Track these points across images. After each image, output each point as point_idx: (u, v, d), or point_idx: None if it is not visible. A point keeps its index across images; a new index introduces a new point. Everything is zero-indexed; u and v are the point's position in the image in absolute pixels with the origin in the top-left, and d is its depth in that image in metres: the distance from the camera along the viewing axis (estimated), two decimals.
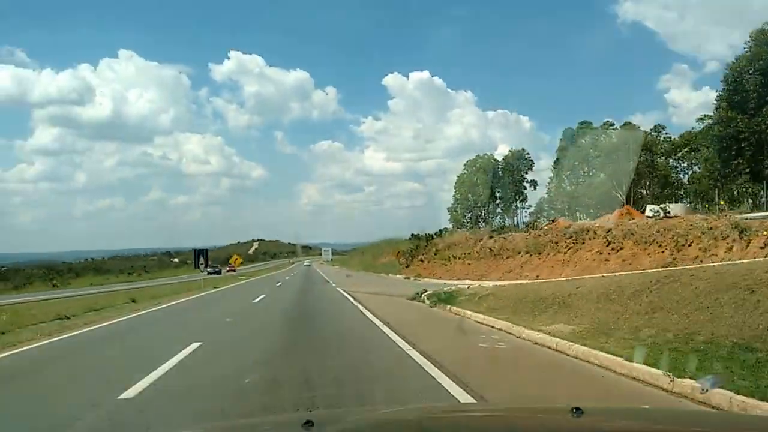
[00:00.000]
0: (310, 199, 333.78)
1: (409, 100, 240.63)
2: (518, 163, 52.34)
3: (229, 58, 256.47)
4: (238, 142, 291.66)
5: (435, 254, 36.65)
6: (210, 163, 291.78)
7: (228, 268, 69.15)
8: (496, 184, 51.03)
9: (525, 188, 53.19)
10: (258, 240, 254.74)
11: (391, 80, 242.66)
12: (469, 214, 50.09)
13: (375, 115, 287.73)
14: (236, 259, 42.72)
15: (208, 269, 48.54)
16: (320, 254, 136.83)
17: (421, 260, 37.89)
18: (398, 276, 36.85)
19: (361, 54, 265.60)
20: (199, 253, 44.24)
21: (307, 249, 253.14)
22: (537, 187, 52.61)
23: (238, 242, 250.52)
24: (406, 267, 38.98)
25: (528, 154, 53.58)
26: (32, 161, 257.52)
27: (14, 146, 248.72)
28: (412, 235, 51.15)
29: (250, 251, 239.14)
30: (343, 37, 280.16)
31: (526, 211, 52.60)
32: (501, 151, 57.62)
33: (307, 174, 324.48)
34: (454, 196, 54.01)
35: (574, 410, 1.66)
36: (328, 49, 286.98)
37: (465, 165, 53.28)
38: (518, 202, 53.05)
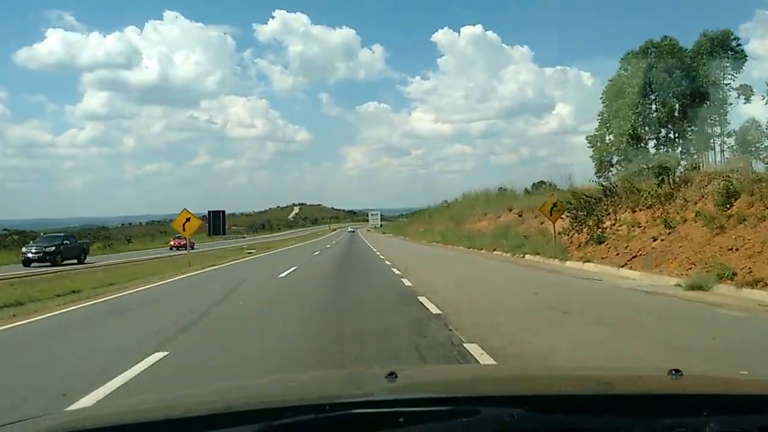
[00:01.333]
0: (356, 163, 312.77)
1: (460, 58, 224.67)
2: (718, 58, 29.35)
3: (273, 17, 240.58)
4: (283, 104, 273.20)
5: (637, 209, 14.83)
6: (255, 127, 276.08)
7: (174, 242, 46.23)
8: (683, 88, 28.42)
9: (727, 103, 30.30)
10: (299, 204, 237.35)
11: (441, 36, 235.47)
12: (631, 146, 27.47)
13: (423, 75, 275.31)
14: (188, 221, 20.21)
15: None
16: (366, 220, 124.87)
17: (596, 230, 15.75)
18: (569, 264, 14.61)
19: (410, 8, 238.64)
20: (216, 216, 37.10)
21: (352, 214, 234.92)
22: (751, 99, 29.52)
23: (278, 207, 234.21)
24: (573, 244, 16.59)
25: (737, 39, 30.37)
26: (82, 126, 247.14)
27: (65, 111, 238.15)
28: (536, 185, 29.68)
29: (290, 216, 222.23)
30: None
31: (725, 142, 29.89)
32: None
33: (353, 137, 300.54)
34: (601, 118, 31.39)
35: (673, 372, 1.60)
36: (375, 4, 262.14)
37: (623, 60, 30.44)
38: (719, 125, 30.09)
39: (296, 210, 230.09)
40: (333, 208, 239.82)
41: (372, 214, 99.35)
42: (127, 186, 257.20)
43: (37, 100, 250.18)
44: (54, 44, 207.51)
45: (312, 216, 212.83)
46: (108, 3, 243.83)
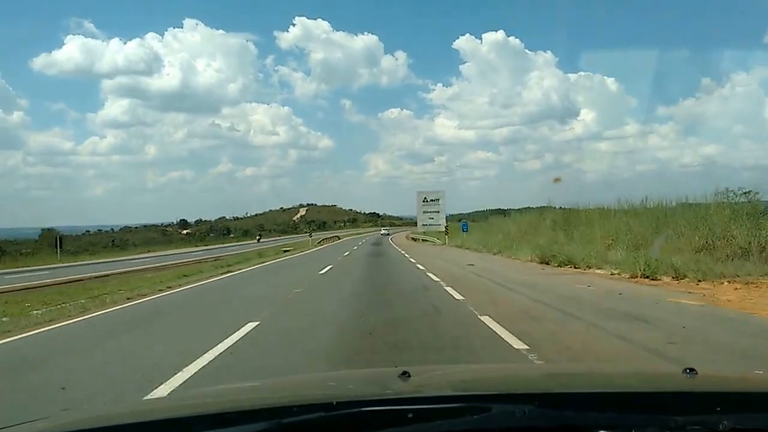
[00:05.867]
0: (378, 170, 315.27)
1: (483, 64, 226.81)
2: None
3: (294, 24, 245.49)
4: (305, 111, 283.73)
5: None
6: (277, 134, 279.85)
7: None
8: None
9: None
10: (307, 205, 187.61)
11: (463, 43, 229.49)
12: None
13: (446, 81, 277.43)
14: None
15: None
16: (388, 224, 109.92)
17: None
18: None
19: (432, 14, 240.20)
20: None
21: (375, 217, 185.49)
22: None
23: (281, 208, 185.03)
24: None
25: None
26: (104, 134, 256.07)
27: (86, 119, 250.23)
28: None
29: (296, 218, 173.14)
30: None
31: None
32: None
33: (375, 144, 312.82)
34: None
35: (688, 370, 1.61)
36: (398, 11, 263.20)
37: None
38: None
39: (302, 212, 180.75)
40: (351, 209, 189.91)
41: (428, 214, 47.29)
42: (148, 193, 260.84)
43: (58, 107, 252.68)
44: (73, 51, 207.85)
45: (322, 219, 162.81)
46: (128, 11, 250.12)
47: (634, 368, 3.11)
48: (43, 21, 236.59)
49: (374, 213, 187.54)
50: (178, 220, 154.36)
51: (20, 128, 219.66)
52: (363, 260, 23.57)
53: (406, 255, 25.17)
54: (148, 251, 53.28)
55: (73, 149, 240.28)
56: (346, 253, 28.52)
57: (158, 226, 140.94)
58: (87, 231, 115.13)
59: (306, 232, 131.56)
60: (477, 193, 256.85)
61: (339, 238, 64.54)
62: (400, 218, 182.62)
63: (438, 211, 47.48)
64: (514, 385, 1.87)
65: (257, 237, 63.03)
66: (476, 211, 76.28)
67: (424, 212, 47.56)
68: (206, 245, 64.56)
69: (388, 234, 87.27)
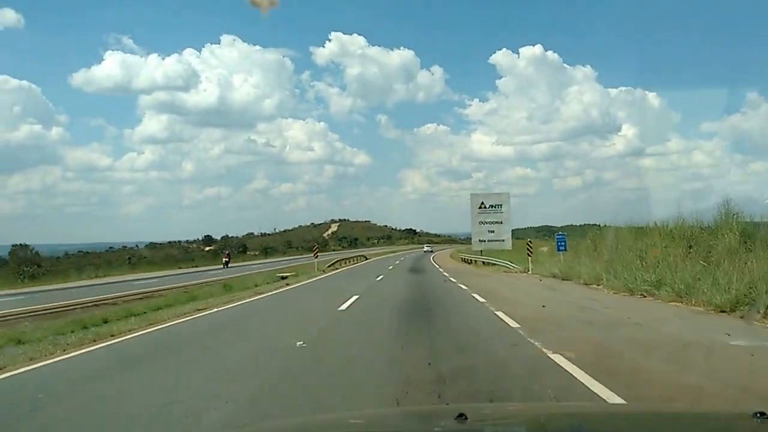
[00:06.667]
0: (414, 186, 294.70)
1: (521, 79, 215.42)
2: None
3: (330, 39, 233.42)
4: (341, 127, 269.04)
5: None
6: (313, 150, 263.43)
7: None
8: None
9: None
10: (339, 221, 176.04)
11: (500, 57, 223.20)
12: None
13: (482, 97, 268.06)
14: None
15: None
16: (426, 242, 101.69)
17: None
18: None
19: (466, 30, 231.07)
20: None
21: (412, 234, 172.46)
22: None
23: (311, 224, 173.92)
24: None
25: None
26: (141, 150, 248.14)
27: (123, 135, 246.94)
28: None
29: (326, 234, 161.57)
30: (447, 11, 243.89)
31: None
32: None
33: (411, 160, 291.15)
34: None
35: (758, 415, 1.57)
36: (434, 26, 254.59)
37: None
38: None
39: (334, 228, 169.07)
40: (386, 226, 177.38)
41: (485, 223, 34.35)
42: (186, 210, 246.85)
43: (97, 123, 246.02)
44: (113, 67, 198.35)
45: (354, 235, 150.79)
46: (166, 27, 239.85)
47: (701, 409, 3.06)
48: (83, 37, 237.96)
49: (410, 229, 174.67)
50: (203, 236, 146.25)
51: (59, 144, 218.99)
52: (388, 320, 10.72)
53: (485, 301, 12.53)
54: (132, 272, 42.11)
55: (111, 165, 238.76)
56: (350, 301, 14.19)
57: (182, 242, 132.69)
58: (110, 248, 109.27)
59: (335, 249, 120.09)
60: (516, 210, 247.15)
61: (366, 258, 51.68)
62: (437, 235, 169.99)
63: (500, 222, 34.54)
64: (575, 426, 1.78)
65: (224, 261, 45.11)
66: (517, 228, 72.17)
67: (481, 223, 34.67)
68: (196, 266, 52.77)
69: (431, 251, 76.63)
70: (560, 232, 21.85)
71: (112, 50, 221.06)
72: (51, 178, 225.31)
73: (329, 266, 33.51)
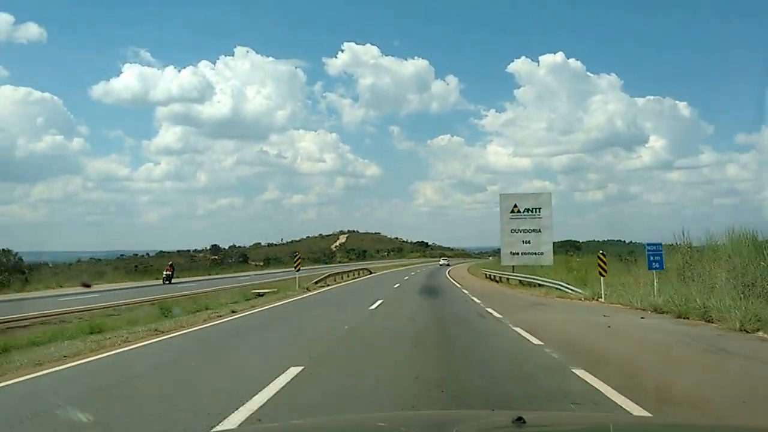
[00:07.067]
0: (427, 199, 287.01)
1: (540, 88, 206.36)
2: None
3: (342, 50, 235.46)
4: (353, 138, 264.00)
5: None
6: (324, 161, 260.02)
7: None
8: None
9: None
10: (348, 232, 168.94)
11: (519, 66, 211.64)
12: None
13: (499, 107, 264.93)
14: None
15: None
16: (440, 255, 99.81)
17: None
18: None
19: (483, 38, 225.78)
20: None
21: (424, 246, 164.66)
22: None
23: (320, 235, 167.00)
24: None
25: None
26: (158, 160, 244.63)
27: (141, 146, 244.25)
28: None
29: (334, 245, 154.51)
30: (464, 19, 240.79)
31: None
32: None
33: (424, 171, 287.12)
34: None
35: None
36: (449, 34, 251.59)
37: None
38: None
39: (342, 239, 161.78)
40: (397, 238, 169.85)
41: (518, 231, 27.09)
42: (199, 219, 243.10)
43: (115, 134, 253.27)
44: (130, 79, 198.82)
45: (363, 247, 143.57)
46: (182, 39, 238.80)
47: (732, 425, 3.12)
48: (103, 50, 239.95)
49: (422, 242, 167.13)
50: (210, 245, 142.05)
51: (80, 154, 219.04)
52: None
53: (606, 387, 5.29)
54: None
55: (128, 175, 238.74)
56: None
57: (191, 251, 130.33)
58: (121, 255, 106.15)
59: (342, 261, 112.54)
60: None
61: (369, 272, 44.32)
62: (450, 249, 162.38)
63: (538, 230, 27.27)
64: None
65: (165, 274, 35.63)
66: None
67: (514, 232, 27.40)
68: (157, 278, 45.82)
69: (448, 265, 70.73)
70: (652, 243, 14.47)
71: (131, 63, 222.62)
72: (72, 187, 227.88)
73: (316, 282, 26.22)
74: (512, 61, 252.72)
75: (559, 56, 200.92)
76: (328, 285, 27.30)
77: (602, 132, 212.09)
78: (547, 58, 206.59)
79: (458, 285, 27.89)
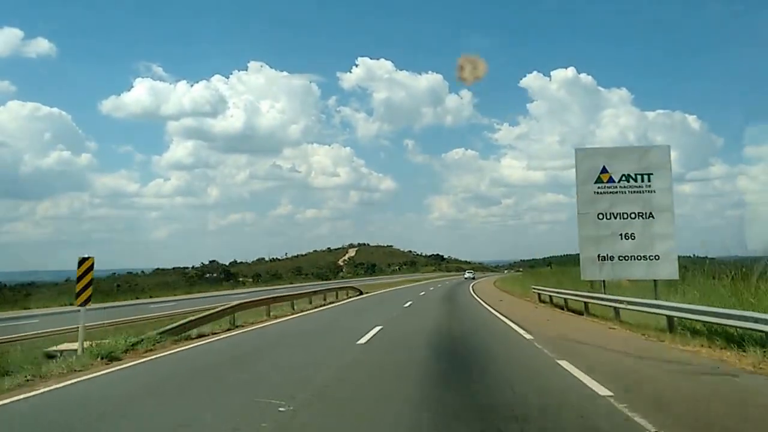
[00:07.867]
0: (441, 212, 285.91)
1: (553, 102, 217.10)
2: None
3: (356, 64, 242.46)
4: (367, 152, 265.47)
5: None
6: (338, 175, 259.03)
7: None
8: None
9: None
10: (358, 245, 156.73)
11: (531, 81, 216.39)
12: None
13: (512, 121, 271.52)
14: None
15: None
16: (453, 269, 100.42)
17: None
18: None
19: (496, 53, 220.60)
20: None
21: (439, 260, 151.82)
22: None
23: (327, 248, 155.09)
24: None
25: None
26: (168, 176, 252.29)
27: (151, 161, 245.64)
28: None
29: (342, 260, 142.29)
30: (476, 33, 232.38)
31: None
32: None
33: (438, 185, 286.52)
34: None
35: None
36: (463, 50, 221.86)
37: None
38: None
39: (351, 253, 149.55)
40: (410, 251, 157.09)
41: (607, 218, 14.79)
42: (210, 235, 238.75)
43: (125, 150, 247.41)
44: (142, 94, 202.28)
45: (373, 261, 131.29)
46: (195, 54, 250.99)
47: None
48: (114, 65, 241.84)
49: (437, 255, 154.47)
50: (209, 261, 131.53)
51: (87, 170, 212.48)
52: None
53: None
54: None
55: (137, 191, 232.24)
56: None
57: (187, 268, 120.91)
58: (114, 273, 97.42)
59: (346, 276, 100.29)
60: (548, 238, 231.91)
61: (358, 293, 31.62)
62: (467, 262, 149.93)
63: (651, 215, 14.78)
64: None
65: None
66: (552, 256, 64.00)
67: (601, 217, 14.96)
68: (137, 298, 34.41)
69: (473, 278, 61.39)
70: None
71: (142, 77, 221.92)
72: (78, 203, 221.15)
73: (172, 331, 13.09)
74: (524, 75, 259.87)
75: (571, 71, 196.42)
76: (200, 338, 13.78)
77: (614, 144, 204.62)
78: (558, 73, 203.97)
79: (505, 319, 15.58)
